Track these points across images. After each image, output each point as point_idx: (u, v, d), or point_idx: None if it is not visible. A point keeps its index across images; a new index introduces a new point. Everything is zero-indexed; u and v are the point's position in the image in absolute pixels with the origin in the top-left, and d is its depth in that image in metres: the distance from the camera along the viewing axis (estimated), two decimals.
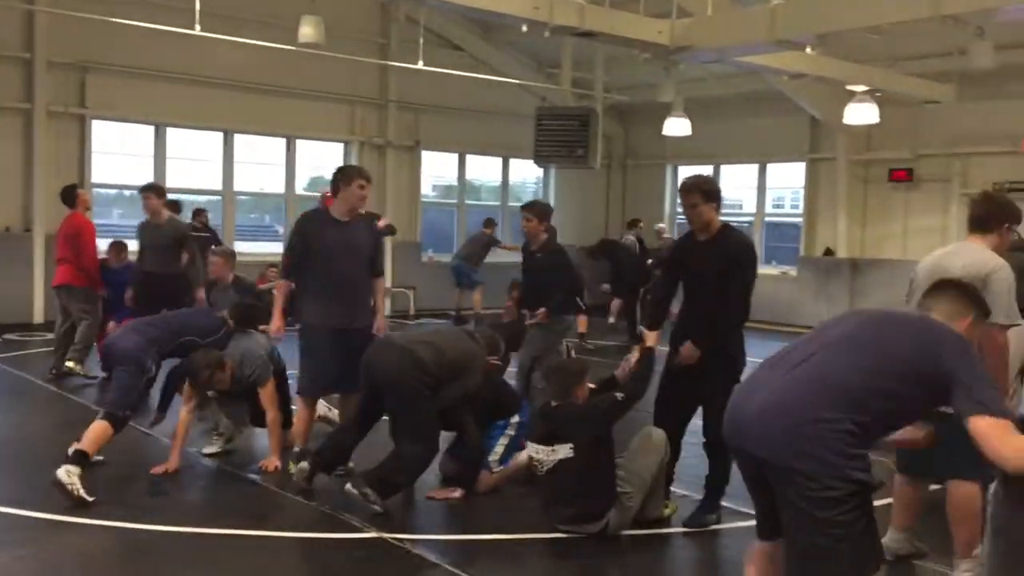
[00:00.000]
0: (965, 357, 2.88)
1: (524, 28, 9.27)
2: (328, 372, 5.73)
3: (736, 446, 3.09)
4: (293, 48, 11.26)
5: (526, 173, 17.70)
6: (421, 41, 11.92)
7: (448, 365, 5.22)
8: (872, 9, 8.28)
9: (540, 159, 14.50)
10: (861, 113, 12.11)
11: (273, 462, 5.85)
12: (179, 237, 8.44)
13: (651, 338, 5.08)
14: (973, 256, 4.21)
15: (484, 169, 17.47)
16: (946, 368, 2.84)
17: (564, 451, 4.75)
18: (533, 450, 4.93)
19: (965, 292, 3.25)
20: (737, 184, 17.11)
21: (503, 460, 5.55)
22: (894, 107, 12.91)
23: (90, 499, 4.98)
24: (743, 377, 4.70)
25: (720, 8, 10.24)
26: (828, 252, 14.97)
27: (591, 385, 5.10)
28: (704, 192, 4.90)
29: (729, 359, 4.90)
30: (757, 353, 7.68)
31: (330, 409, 6.50)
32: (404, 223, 15.26)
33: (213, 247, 8.92)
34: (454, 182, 16.82)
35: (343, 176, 5.72)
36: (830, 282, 14.71)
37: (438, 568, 4.39)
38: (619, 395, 4.82)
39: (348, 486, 5.03)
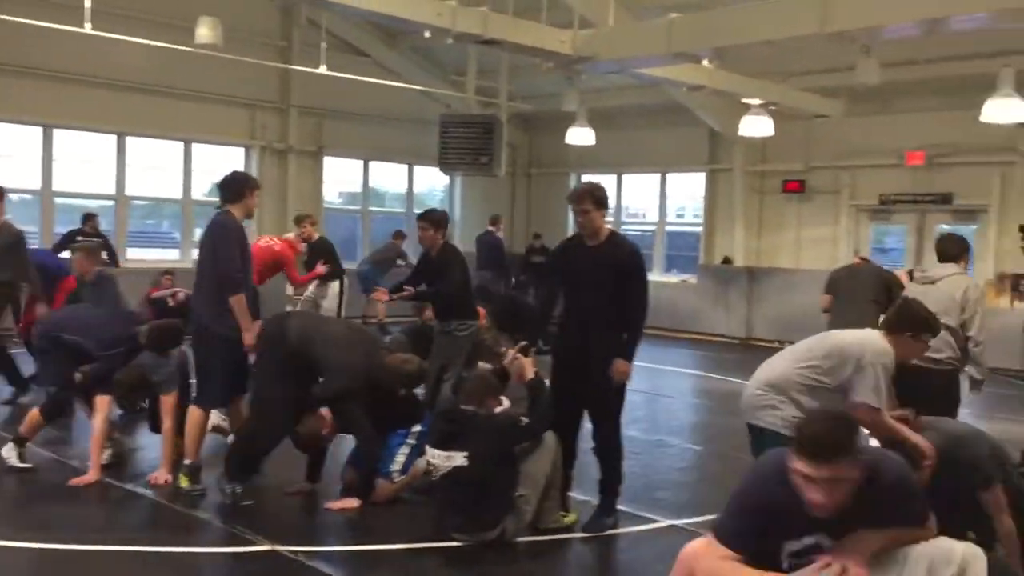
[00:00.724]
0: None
1: (427, 34, 9.25)
2: (238, 383, 5.68)
3: None
4: (190, 49, 10.99)
5: (433, 180, 17.65)
6: (323, 45, 11.76)
7: (309, 355, 5.22)
8: (764, 25, 8.54)
9: (445, 166, 14.47)
10: (756, 125, 12.49)
11: (164, 475, 5.66)
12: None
13: (529, 366, 5.08)
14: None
15: (390, 176, 17.35)
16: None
17: (459, 459, 4.72)
18: (430, 454, 4.91)
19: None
20: (640, 194, 17.43)
21: (404, 469, 5.50)
22: (788, 120, 13.36)
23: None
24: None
25: (620, 20, 10.43)
26: (726, 260, 15.37)
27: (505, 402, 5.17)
28: (595, 199, 4.99)
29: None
30: (659, 359, 7.97)
31: (223, 419, 6.33)
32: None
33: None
34: (359, 189, 16.64)
35: (249, 184, 5.65)
36: (729, 290, 15.09)
37: None
38: (524, 419, 4.87)
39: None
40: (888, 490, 2.81)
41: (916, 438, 3.88)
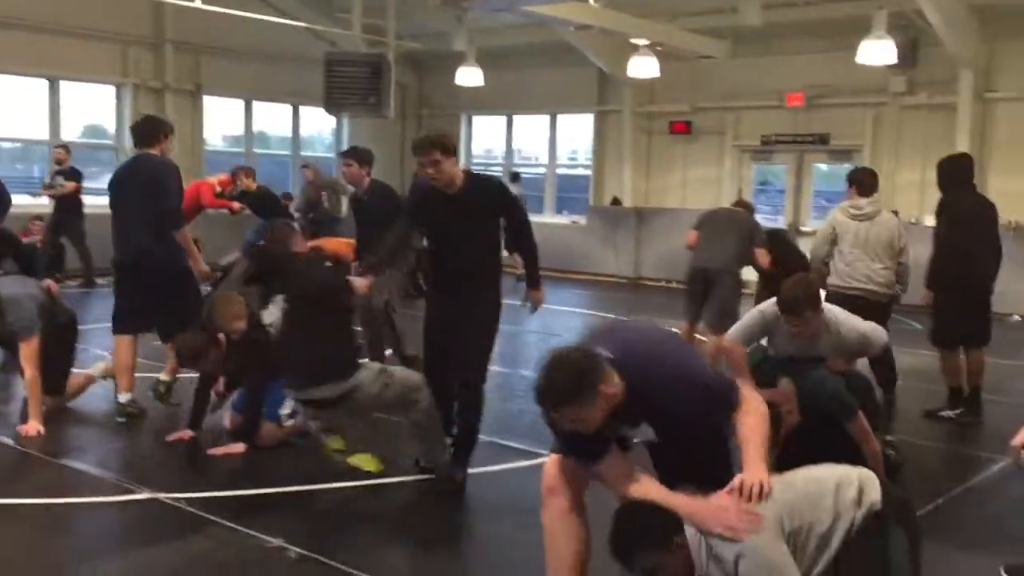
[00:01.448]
0: None
1: None
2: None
3: None
4: None
5: (319, 122, 17.19)
6: None
7: None
8: None
9: (331, 107, 14.05)
10: (643, 66, 12.59)
11: (34, 427, 5.41)
12: None
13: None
14: None
15: (275, 117, 16.81)
16: None
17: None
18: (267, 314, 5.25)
19: None
20: (530, 135, 17.41)
21: (294, 413, 5.39)
22: (675, 62, 13.51)
23: None
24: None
25: None
26: (615, 201, 15.55)
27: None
28: (442, 147, 4.68)
29: (495, 304, 4.86)
30: (551, 300, 8.02)
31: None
32: (186, 174, 14.44)
33: None
34: (242, 131, 16.08)
35: (164, 128, 5.98)
36: (617, 231, 15.30)
37: (213, 524, 4.21)
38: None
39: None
40: None
41: (769, 393, 3.94)
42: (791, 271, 5.46)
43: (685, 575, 2.72)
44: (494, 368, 5.23)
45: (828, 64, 12.88)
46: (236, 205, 10.29)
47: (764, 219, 14.24)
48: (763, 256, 7.32)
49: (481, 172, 6.39)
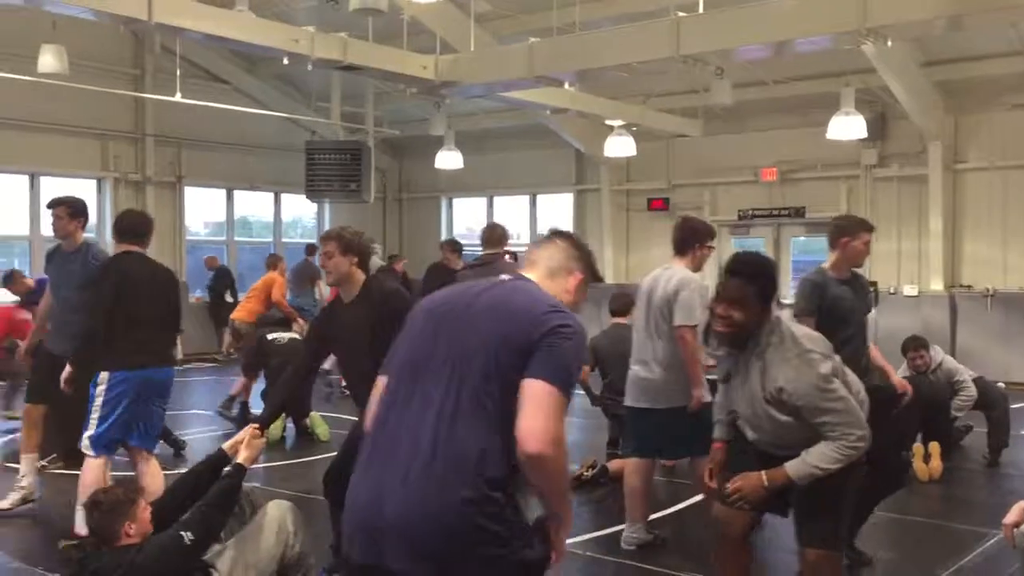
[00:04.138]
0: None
1: (285, 61, 9.07)
2: None
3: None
4: (32, 79, 10.46)
5: (301, 208, 17.32)
6: (178, 72, 11.37)
7: None
8: (621, 48, 8.75)
9: (312, 194, 14.22)
10: (620, 146, 12.80)
11: None
12: None
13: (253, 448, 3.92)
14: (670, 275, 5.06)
15: (257, 205, 16.91)
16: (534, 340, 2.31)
17: None
18: None
19: (575, 244, 2.74)
20: (510, 215, 17.54)
21: None
22: (650, 140, 13.76)
23: None
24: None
25: (482, 44, 10.53)
26: (597, 279, 15.54)
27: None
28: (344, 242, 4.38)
29: None
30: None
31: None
32: (168, 262, 14.41)
33: None
34: (223, 219, 16.14)
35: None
36: (601, 309, 15.26)
37: None
38: (185, 534, 3.49)
39: None
40: None
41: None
42: None
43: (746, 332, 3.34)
44: None
45: (800, 139, 13.14)
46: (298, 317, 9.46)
47: None
48: None
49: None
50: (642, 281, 5.29)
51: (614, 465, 6.28)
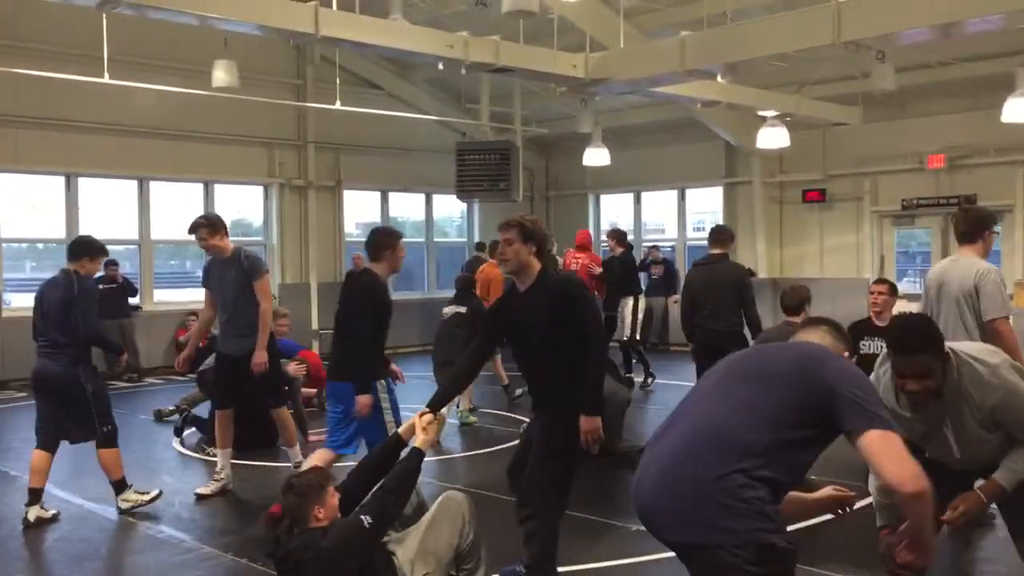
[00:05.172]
0: (846, 372, 2.65)
1: (440, 66, 9.31)
2: None
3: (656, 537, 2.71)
4: (207, 93, 11.13)
5: (451, 208, 17.72)
6: (338, 81, 11.87)
7: None
8: (777, 38, 8.52)
9: (463, 194, 14.52)
10: (773, 137, 12.44)
11: None
12: None
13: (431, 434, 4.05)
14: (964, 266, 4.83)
15: (409, 205, 17.42)
16: (827, 385, 2.59)
17: None
18: None
19: (837, 329, 3.04)
20: (659, 209, 17.39)
21: None
22: (804, 130, 13.32)
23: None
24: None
25: (632, 40, 10.46)
26: (750, 273, 15.20)
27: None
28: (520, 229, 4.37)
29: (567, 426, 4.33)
30: (687, 375, 7.62)
31: None
32: (328, 263, 15.13)
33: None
34: (378, 219, 16.71)
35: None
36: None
37: None
38: (365, 518, 3.62)
39: None
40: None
41: None
42: None
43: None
44: None
45: (970, 124, 12.43)
46: None
47: (910, 284, 13.80)
48: None
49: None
50: (927, 276, 5.23)
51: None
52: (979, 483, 3.37)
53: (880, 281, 7.20)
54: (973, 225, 4.94)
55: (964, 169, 12.95)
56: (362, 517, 3.61)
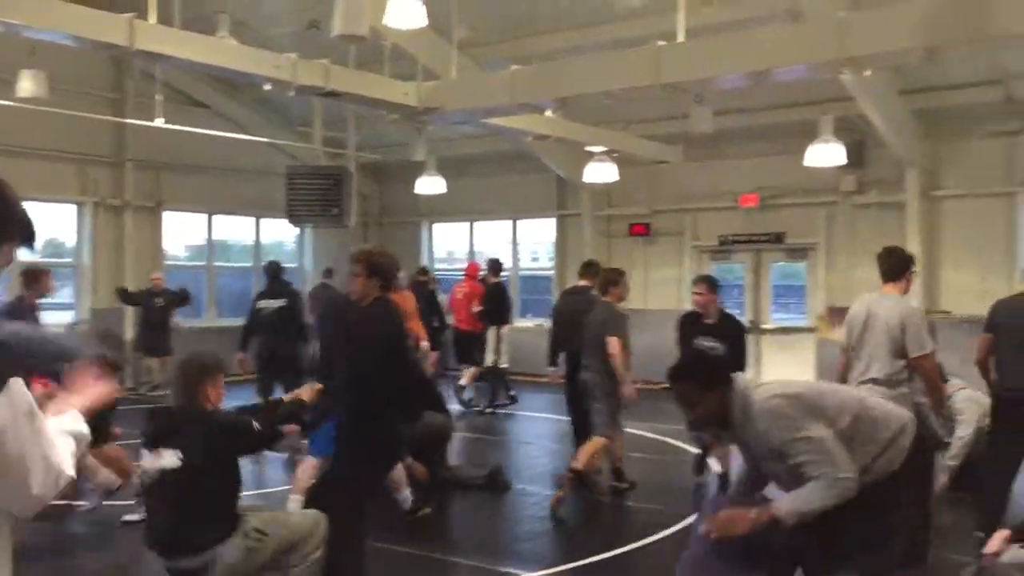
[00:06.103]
0: None
1: (267, 87, 9.05)
2: None
3: None
4: (11, 103, 10.40)
5: (281, 232, 17.26)
6: (159, 97, 11.33)
7: None
8: (601, 76, 8.80)
9: (294, 219, 14.13)
10: (600, 172, 12.84)
11: None
12: None
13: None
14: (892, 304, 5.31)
15: (237, 229, 16.84)
16: None
17: (170, 458, 4.04)
18: (141, 457, 4.28)
19: None
20: (492, 239, 17.58)
21: None
22: (631, 166, 13.81)
23: None
24: None
25: (464, 71, 10.55)
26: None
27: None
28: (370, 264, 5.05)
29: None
30: (519, 405, 7.74)
31: None
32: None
33: None
34: (204, 243, 16.06)
35: None
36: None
37: None
38: (256, 423, 4.19)
39: None
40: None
41: None
42: None
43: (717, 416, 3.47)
44: None
45: (780, 166, 13.25)
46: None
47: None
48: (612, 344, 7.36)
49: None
50: (851, 309, 5.60)
51: None
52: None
53: (699, 280, 7.62)
54: (896, 265, 5.50)
55: (774, 209, 13.80)
56: (251, 420, 4.20)
